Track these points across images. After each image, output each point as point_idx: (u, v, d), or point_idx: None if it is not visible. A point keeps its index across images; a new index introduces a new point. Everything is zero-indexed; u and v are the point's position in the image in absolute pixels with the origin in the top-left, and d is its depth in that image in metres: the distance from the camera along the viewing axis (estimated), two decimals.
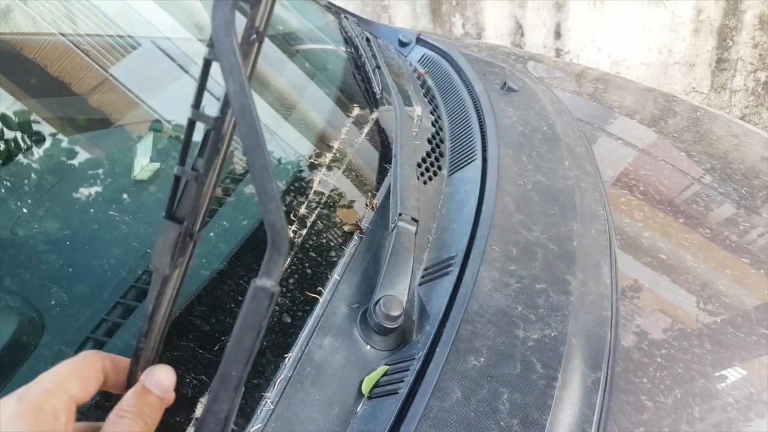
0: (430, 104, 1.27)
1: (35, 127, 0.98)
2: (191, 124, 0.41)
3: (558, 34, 3.30)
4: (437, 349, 0.68)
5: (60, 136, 1.01)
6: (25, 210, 0.87)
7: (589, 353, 0.68)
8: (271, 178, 0.36)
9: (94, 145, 1.07)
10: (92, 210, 0.93)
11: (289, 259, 0.84)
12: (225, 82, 0.37)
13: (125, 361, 0.46)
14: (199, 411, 0.66)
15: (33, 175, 0.94)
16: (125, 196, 0.97)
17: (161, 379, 0.44)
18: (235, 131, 0.42)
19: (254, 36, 0.41)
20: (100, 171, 1.00)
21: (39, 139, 0.97)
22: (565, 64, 1.80)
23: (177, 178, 0.41)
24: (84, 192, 0.95)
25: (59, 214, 0.90)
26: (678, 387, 0.67)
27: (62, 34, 1.17)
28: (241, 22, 0.40)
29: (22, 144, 0.96)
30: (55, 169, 0.97)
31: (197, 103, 0.41)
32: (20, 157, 0.94)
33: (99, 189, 0.97)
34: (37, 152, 0.96)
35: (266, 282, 0.36)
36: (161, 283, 0.42)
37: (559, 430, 0.60)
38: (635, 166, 1.12)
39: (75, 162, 0.98)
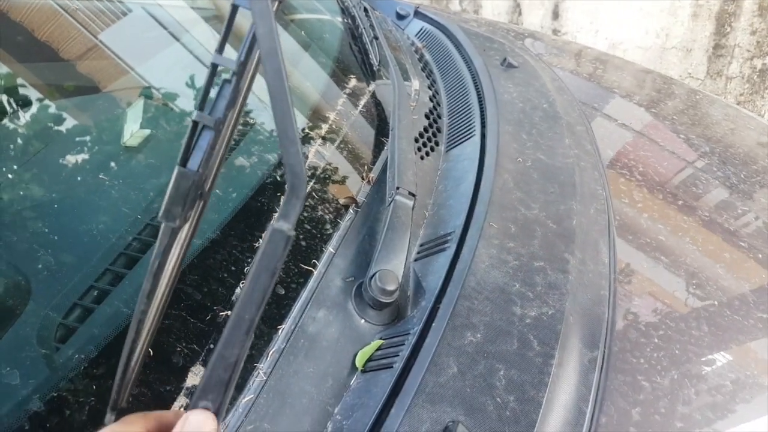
0: (428, 79, 1.25)
1: (22, 91, 0.95)
2: (214, 68, 0.39)
3: (556, 15, 3.26)
4: (433, 324, 0.67)
5: (47, 101, 0.98)
6: (10, 175, 0.85)
7: (586, 332, 0.67)
8: (293, 122, 0.36)
9: (83, 110, 1.04)
10: (80, 176, 0.91)
11: None
12: (254, 24, 0.36)
13: (169, 416, 0.41)
14: (189, 380, 0.65)
15: (19, 140, 0.91)
16: (115, 162, 0.95)
17: (200, 426, 0.36)
18: (253, 80, 0.41)
19: None
20: (89, 137, 0.97)
21: (25, 103, 0.94)
22: (564, 42, 1.77)
23: (195, 124, 0.39)
24: (72, 158, 0.92)
25: (46, 180, 0.88)
26: (675, 368, 0.66)
27: None
28: None
29: (8, 108, 0.93)
30: (41, 135, 0.94)
31: (221, 48, 0.39)
32: (5, 121, 0.91)
33: (87, 155, 0.94)
34: (23, 117, 0.94)
35: (284, 225, 0.36)
36: (169, 235, 0.40)
37: (555, 407, 0.59)
38: (634, 147, 1.11)
39: (62, 128, 0.95)
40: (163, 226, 0.40)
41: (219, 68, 0.39)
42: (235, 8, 0.38)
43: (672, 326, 0.71)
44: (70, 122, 0.97)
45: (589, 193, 0.88)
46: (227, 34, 0.39)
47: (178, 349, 0.69)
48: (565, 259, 0.75)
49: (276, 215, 0.36)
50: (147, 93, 1.08)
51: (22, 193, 0.84)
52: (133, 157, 0.97)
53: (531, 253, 0.76)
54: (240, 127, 0.94)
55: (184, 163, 0.40)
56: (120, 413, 0.42)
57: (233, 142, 0.92)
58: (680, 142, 1.15)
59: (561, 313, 0.68)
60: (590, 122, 1.12)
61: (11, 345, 0.67)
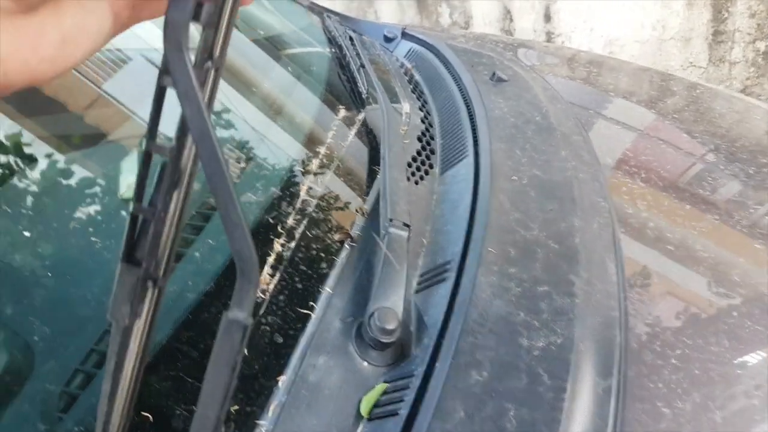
0: (419, 100, 1.23)
1: (25, 148, 0.95)
2: (147, 156, 0.37)
3: (548, 17, 3.24)
4: (437, 365, 0.64)
5: (49, 156, 0.97)
6: (12, 237, 0.84)
7: (598, 359, 0.64)
8: (236, 205, 0.34)
9: (84, 164, 1.03)
10: (79, 234, 0.89)
11: (278, 274, 0.80)
12: (181, 107, 0.34)
13: None
14: None
15: (19, 199, 0.91)
16: (112, 217, 0.93)
17: None
18: (196, 161, 0.38)
19: (209, 63, 0.37)
20: (87, 191, 0.96)
21: (28, 160, 0.93)
22: (556, 48, 1.75)
23: (134, 217, 0.37)
24: (70, 215, 0.91)
25: (44, 240, 0.87)
26: (696, 390, 0.63)
27: None
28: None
29: (15, 167, 0.92)
30: (41, 192, 0.93)
31: (152, 134, 0.37)
32: (10, 180, 0.91)
33: (86, 211, 0.93)
34: (27, 175, 0.93)
35: (238, 314, 0.34)
36: (122, 335, 0.38)
37: None
38: (635, 151, 1.08)
39: (61, 183, 0.94)
40: (113, 325, 0.38)
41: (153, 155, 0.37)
42: (161, 90, 0.36)
43: (689, 344, 0.67)
44: (72, 176, 0.96)
45: (591, 207, 0.85)
46: (156, 119, 0.36)
47: (177, 412, 0.67)
48: (570, 281, 0.72)
49: (230, 304, 0.34)
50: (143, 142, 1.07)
51: (20, 255, 0.83)
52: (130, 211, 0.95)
53: (533, 277, 0.73)
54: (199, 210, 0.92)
55: (126, 258, 0.37)
56: None
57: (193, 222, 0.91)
58: (683, 141, 1.12)
59: (570, 340, 0.64)
60: (587, 129, 1.09)
61: (11, 424, 0.65)
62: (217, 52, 0.36)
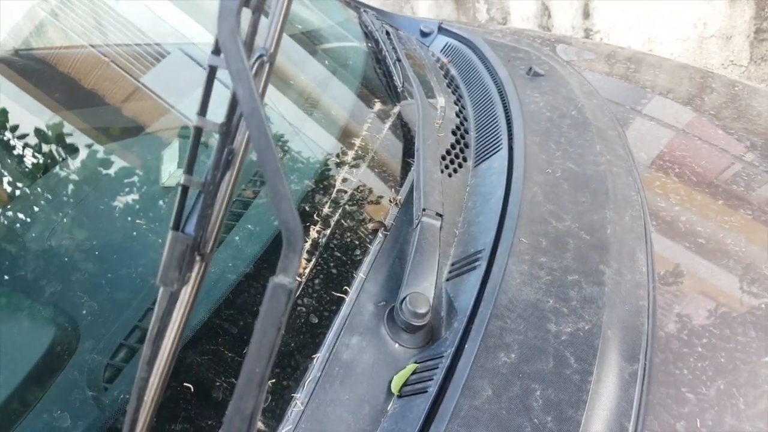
0: (454, 94, 1.25)
1: (69, 139, 1.00)
2: (197, 131, 0.40)
3: (586, 14, 3.21)
4: (466, 346, 0.66)
5: (91, 146, 1.02)
6: (58, 221, 0.89)
7: (625, 345, 0.65)
8: (282, 178, 0.36)
9: (125, 154, 1.08)
10: (123, 219, 0.94)
11: (314, 260, 0.83)
12: (234, 86, 0.36)
13: None
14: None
15: (66, 187, 0.96)
16: (154, 203, 0.98)
17: None
18: (248, 143, 0.41)
19: (263, 56, 0.40)
20: (130, 180, 1.01)
21: (72, 150, 0.99)
22: (594, 44, 1.74)
23: (184, 188, 0.40)
24: (114, 201, 0.96)
25: (90, 225, 0.91)
26: (721, 378, 0.64)
27: (92, 46, 1.19)
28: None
29: (57, 156, 0.97)
30: (86, 180, 0.98)
31: (203, 110, 0.40)
32: (55, 169, 0.96)
33: (129, 198, 0.98)
34: (71, 164, 0.98)
35: (283, 279, 0.37)
36: (168, 300, 0.41)
37: (595, 426, 0.58)
38: (670, 147, 1.08)
39: (105, 172, 0.99)
40: (161, 290, 0.41)
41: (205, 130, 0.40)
42: (213, 70, 0.39)
43: (716, 333, 0.68)
44: (112, 165, 1.01)
45: (623, 200, 0.86)
46: (207, 96, 0.39)
47: (218, 383, 0.71)
48: (601, 270, 0.73)
49: (276, 270, 0.37)
50: (184, 132, 1.11)
51: (68, 238, 0.88)
52: (172, 198, 1.00)
53: (564, 266, 0.74)
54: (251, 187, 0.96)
55: (177, 226, 0.40)
56: None
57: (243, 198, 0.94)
58: (720, 138, 1.11)
59: (598, 327, 0.66)
60: (623, 125, 1.10)
61: (62, 388, 0.70)
62: (271, 39, 0.39)
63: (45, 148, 0.97)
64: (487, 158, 1.01)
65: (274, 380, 0.69)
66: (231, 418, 0.37)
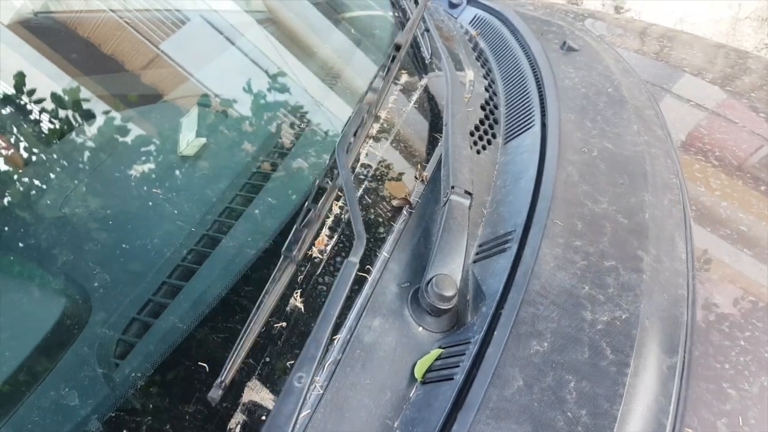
0: (483, 68, 1.20)
1: (85, 104, 0.97)
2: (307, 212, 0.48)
3: None
4: (495, 333, 0.63)
5: (108, 113, 0.99)
6: (72, 189, 0.86)
7: (664, 336, 0.62)
8: (358, 213, 0.63)
9: (143, 121, 1.05)
10: (139, 188, 0.91)
11: (336, 237, 0.80)
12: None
13: None
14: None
15: (81, 153, 0.93)
16: (170, 172, 0.95)
17: None
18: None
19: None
20: (146, 148, 0.98)
21: (89, 116, 0.96)
22: (626, 21, 1.67)
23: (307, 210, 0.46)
24: (130, 170, 0.93)
25: (105, 193, 0.89)
26: (764, 373, 0.60)
27: (112, 11, 1.16)
28: None
29: (73, 122, 0.94)
30: (101, 147, 0.95)
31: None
32: (71, 135, 0.93)
33: (145, 166, 0.95)
34: (87, 130, 0.95)
35: (353, 258, 0.62)
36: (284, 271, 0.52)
37: (632, 421, 0.55)
38: (709, 130, 1.02)
39: (122, 139, 0.96)
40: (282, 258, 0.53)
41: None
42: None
43: (759, 326, 0.64)
44: (128, 133, 0.98)
45: (662, 183, 0.81)
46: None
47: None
48: (639, 256, 0.69)
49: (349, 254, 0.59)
50: (203, 101, 1.08)
51: (82, 206, 0.85)
52: (189, 167, 0.97)
53: (600, 251, 0.70)
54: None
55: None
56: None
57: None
58: (760, 120, 1.05)
59: (636, 316, 0.62)
60: (660, 105, 1.05)
61: (71, 364, 0.67)
62: None
63: (62, 113, 0.94)
64: (518, 135, 0.97)
65: (291, 362, 0.67)
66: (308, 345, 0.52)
